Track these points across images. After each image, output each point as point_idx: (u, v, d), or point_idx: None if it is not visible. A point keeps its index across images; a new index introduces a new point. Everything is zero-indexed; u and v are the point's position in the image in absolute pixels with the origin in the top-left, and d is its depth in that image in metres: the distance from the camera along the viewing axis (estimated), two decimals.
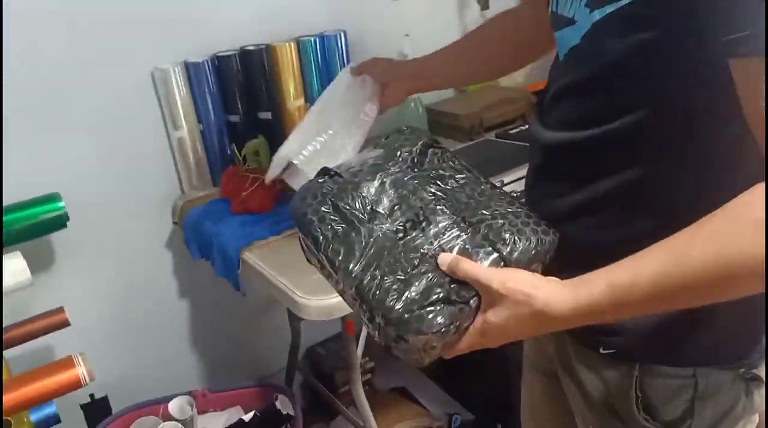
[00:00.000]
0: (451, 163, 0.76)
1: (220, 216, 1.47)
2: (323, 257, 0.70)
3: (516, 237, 0.67)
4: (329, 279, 0.73)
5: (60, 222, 1.34)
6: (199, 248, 1.51)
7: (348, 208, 0.70)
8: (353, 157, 0.77)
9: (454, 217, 0.69)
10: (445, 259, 0.66)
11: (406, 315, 0.62)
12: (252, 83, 1.60)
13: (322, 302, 1.12)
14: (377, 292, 0.64)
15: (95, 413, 1.42)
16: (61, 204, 1.34)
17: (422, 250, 0.66)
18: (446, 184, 0.73)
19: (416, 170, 0.74)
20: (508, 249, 0.67)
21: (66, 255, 1.54)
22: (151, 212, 1.64)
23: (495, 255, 0.66)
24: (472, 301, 0.64)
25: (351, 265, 0.66)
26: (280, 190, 1.48)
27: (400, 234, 0.68)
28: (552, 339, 0.88)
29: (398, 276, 0.64)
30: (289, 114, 1.66)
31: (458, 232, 0.68)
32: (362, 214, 0.69)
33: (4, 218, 1.26)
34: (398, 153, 0.76)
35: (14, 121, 1.38)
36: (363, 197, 0.71)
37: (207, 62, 1.54)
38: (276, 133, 1.66)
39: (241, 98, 1.61)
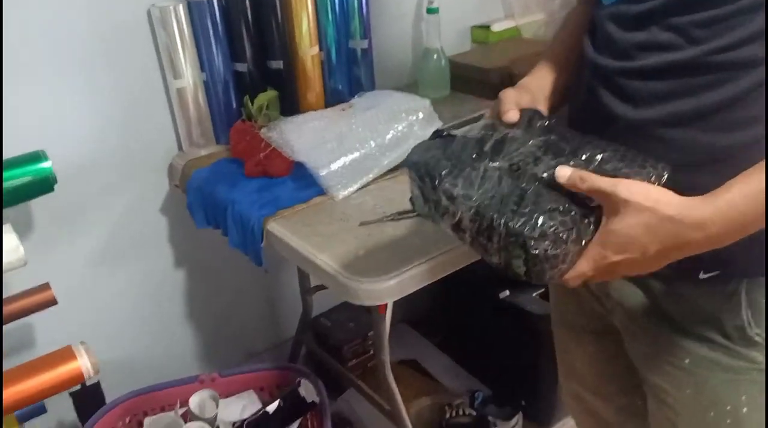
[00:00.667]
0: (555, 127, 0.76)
1: (233, 180, 1.29)
2: (440, 192, 0.71)
3: (628, 169, 0.66)
4: (443, 217, 0.72)
5: (46, 185, 1.14)
6: (206, 215, 1.33)
7: (463, 151, 0.73)
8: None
9: (565, 157, 0.69)
10: (564, 172, 0.65)
11: (523, 221, 0.64)
12: (263, 27, 1.41)
13: (372, 284, 0.97)
14: (497, 207, 0.66)
15: (86, 402, 1.25)
16: (47, 164, 1.14)
17: (537, 176, 0.68)
18: (554, 134, 0.73)
19: (529, 127, 0.76)
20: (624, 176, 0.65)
21: (50, 223, 1.35)
22: (146, 172, 1.45)
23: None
24: (590, 214, 0.65)
25: (470, 192, 0.68)
26: None
27: (514, 168, 0.70)
28: (616, 287, 0.81)
29: (516, 195, 0.66)
30: (303, 64, 1.47)
31: (573, 164, 0.68)
32: (477, 155, 0.72)
33: None
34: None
35: None
36: (476, 146, 0.73)
37: (213, 1, 1.33)
38: (288, 86, 1.48)
39: (251, 44, 1.41)
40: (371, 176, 1.23)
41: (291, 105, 1.49)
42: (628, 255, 0.62)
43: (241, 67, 1.43)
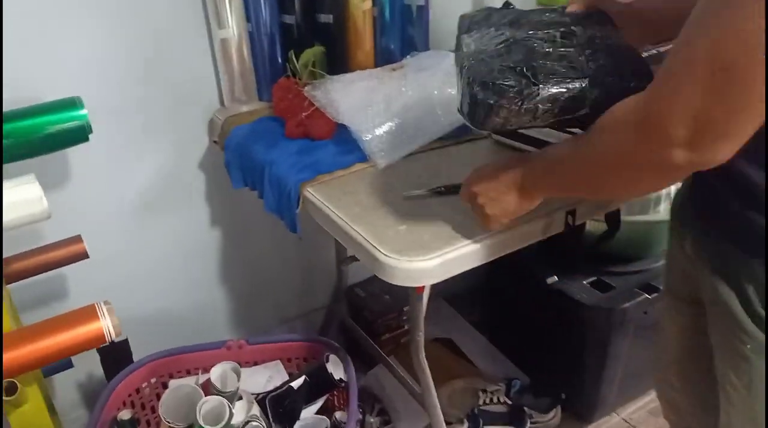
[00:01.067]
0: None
1: (272, 140, 1.22)
2: (462, 43, 0.83)
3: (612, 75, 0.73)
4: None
5: (81, 134, 1.08)
6: (243, 175, 1.26)
7: (499, 17, 0.87)
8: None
9: (579, 45, 0.78)
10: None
11: (489, 75, 0.74)
12: None
13: (412, 264, 0.89)
14: (479, 65, 0.76)
15: (113, 358, 1.22)
16: (83, 111, 1.08)
17: (535, 49, 0.77)
18: (591, 31, 0.81)
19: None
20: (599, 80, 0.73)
21: (85, 171, 1.30)
22: (184, 126, 1.38)
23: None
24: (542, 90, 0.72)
25: (479, 45, 0.80)
26: None
27: (527, 41, 0.78)
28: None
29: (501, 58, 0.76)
30: (354, 19, 1.37)
31: (573, 52, 0.76)
32: (508, 23, 0.83)
33: (7, 126, 1.01)
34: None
35: (16, 7, 1.11)
36: (515, 15, 0.86)
37: None
38: (337, 42, 1.38)
39: None
40: (419, 144, 1.14)
41: (339, 63, 1.40)
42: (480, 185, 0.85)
43: (289, 19, 1.35)
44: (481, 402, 1.57)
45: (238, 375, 1.03)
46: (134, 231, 1.41)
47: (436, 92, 1.15)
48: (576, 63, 0.73)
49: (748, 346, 0.73)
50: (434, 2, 1.48)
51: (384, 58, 1.44)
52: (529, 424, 1.50)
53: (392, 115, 1.13)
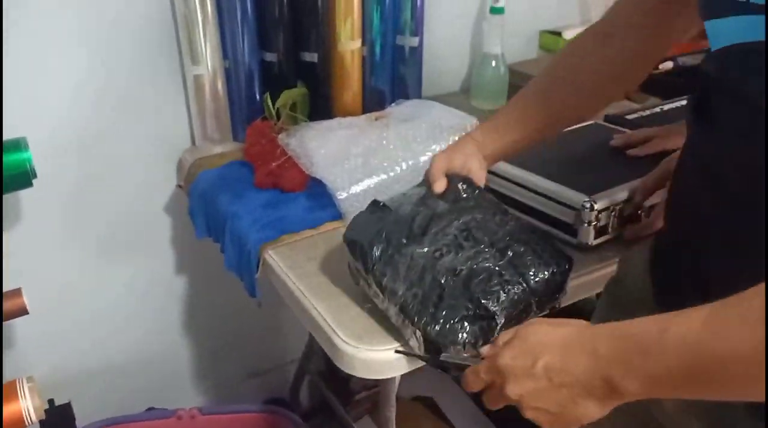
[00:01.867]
0: (487, 198, 0.82)
1: (239, 189, 1.11)
2: (371, 278, 0.76)
3: (537, 264, 0.74)
4: (375, 298, 0.78)
5: (24, 179, 0.98)
6: (207, 224, 1.15)
7: (394, 230, 0.77)
8: (398, 193, 0.84)
9: (484, 249, 0.75)
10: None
11: (438, 329, 0.69)
12: (299, 13, 1.22)
13: (373, 353, 0.77)
14: (418, 308, 0.71)
15: (53, 425, 1.10)
16: (27, 153, 0.98)
17: (456, 270, 0.73)
18: (478, 212, 0.79)
19: (456, 203, 0.80)
20: (532, 274, 0.74)
21: (39, 215, 1.19)
22: (152, 165, 1.28)
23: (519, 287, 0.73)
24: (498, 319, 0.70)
25: (396, 285, 0.73)
26: None
27: (437, 255, 0.75)
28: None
29: (436, 295, 0.71)
30: (341, 58, 1.27)
31: (489, 256, 0.75)
32: (406, 239, 0.76)
33: None
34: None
35: None
36: (408, 225, 0.77)
37: None
38: (322, 83, 1.28)
39: (283, 31, 1.22)
40: None
41: (323, 105, 1.30)
42: (519, 360, 0.55)
43: (270, 57, 1.25)
44: None
45: None
46: (94, 276, 1.30)
47: (420, 146, 1.04)
48: (503, 270, 0.73)
49: None
50: (428, 44, 1.38)
51: (373, 100, 1.34)
52: None
53: (371, 171, 1.02)
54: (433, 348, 0.70)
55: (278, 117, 1.20)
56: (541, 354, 0.53)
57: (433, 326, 0.69)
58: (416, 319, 0.71)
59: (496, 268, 0.73)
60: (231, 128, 1.29)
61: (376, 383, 1.59)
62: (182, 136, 1.28)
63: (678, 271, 0.66)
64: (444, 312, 0.70)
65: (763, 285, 0.42)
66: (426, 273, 0.73)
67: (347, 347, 0.77)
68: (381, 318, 0.79)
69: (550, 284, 0.74)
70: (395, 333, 0.77)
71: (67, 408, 1.14)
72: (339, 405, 1.43)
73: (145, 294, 1.38)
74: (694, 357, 0.44)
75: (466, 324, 0.69)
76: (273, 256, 0.94)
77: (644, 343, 0.47)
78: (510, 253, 0.74)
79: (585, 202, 0.90)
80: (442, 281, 0.72)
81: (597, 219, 0.90)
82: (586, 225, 0.91)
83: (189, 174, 1.21)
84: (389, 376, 0.78)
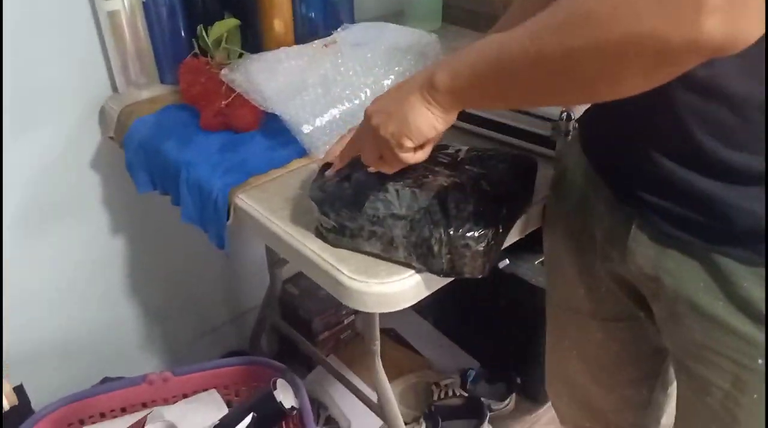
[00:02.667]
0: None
1: (186, 134, 1.01)
2: (364, 218, 0.74)
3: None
4: (369, 241, 0.75)
5: None
6: (150, 178, 1.05)
7: (366, 179, 0.75)
8: None
9: (450, 167, 0.78)
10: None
11: (461, 228, 0.71)
12: None
13: (385, 286, 0.73)
14: (428, 220, 0.71)
15: (9, 413, 0.99)
16: None
17: (444, 186, 0.74)
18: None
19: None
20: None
21: None
22: (70, 118, 1.14)
23: None
24: (502, 207, 0.75)
25: (396, 211, 0.73)
26: None
27: (419, 183, 0.74)
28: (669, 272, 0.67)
29: (437, 205, 0.72)
30: None
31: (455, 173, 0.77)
32: (379, 180, 0.74)
33: None
34: None
35: None
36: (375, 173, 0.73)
37: None
38: (250, 12, 1.18)
39: None
40: None
41: (253, 37, 1.20)
42: (372, 106, 0.64)
43: None
44: (435, 397, 1.46)
45: None
46: (25, 244, 1.17)
47: (381, 70, 0.98)
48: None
49: (760, 361, 0.63)
50: None
51: (305, 29, 1.25)
52: (488, 415, 1.41)
53: (333, 101, 0.95)
54: (457, 253, 0.71)
55: (205, 53, 1.09)
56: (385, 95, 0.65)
57: (455, 227, 0.70)
58: (433, 228, 0.71)
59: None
60: (157, 69, 1.17)
61: (338, 320, 1.57)
62: (101, 84, 1.15)
63: (603, 128, 0.71)
64: (456, 215, 0.71)
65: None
66: (418, 194, 0.73)
67: (355, 283, 0.73)
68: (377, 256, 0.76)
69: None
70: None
71: (19, 390, 1.03)
72: (309, 345, 1.39)
73: (81, 263, 1.26)
74: (490, 55, 0.53)
75: (480, 218, 0.72)
76: (246, 201, 0.87)
77: (459, 53, 0.57)
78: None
79: (562, 112, 0.88)
80: (434, 194, 0.73)
81: (574, 128, 0.89)
82: (563, 136, 0.89)
83: (120, 123, 1.09)
84: (402, 307, 0.75)
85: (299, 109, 0.94)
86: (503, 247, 0.81)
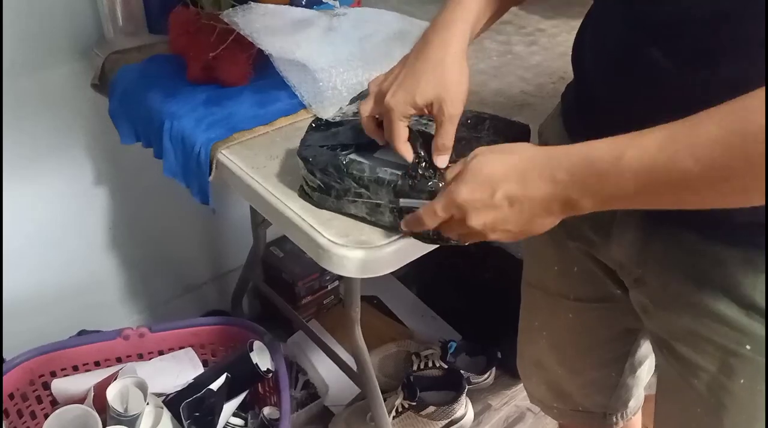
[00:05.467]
0: None
1: (172, 86, 0.98)
2: (349, 179, 0.71)
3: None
4: (354, 203, 0.73)
5: None
6: (134, 128, 1.02)
7: (357, 136, 0.74)
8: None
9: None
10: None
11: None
12: None
13: (366, 251, 0.71)
14: (415, 184, 0.68)
15: None
16: None
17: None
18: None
19: None
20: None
21: None
22: (55, 65, 1.10)
23: None
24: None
25: (380, 174, 0.70)
26: (257, 53, 0.99)
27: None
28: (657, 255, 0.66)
29: (423, 167, 0.70)
30: None
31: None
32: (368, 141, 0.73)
33: None
34: None
35: None
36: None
37: None
38: None
39: None
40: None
41: None
42: (477, 193, 0.56)
43: None
44: (415, 367, 1.45)
45: (145, 393, 0.83)
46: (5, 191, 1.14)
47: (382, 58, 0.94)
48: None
49: (748, 347, 0.63)
50: None
51: None
52: (467, 388, 1.41)
53: (340, 61, 0.91)
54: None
55: (195, 3, 1.05)
56: (498, 184, 0.55)
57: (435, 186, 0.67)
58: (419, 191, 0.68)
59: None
60: (146, 17, 1.13)
61: (322, 285, 1.56)
62: (88, 30, 1.11)
63: (587, 104, 0.69)
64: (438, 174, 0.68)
65: (711, 110, 0.46)
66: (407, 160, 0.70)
67: (335, 247, 0.71)
68: (362, 219, 0.74)
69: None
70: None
71: None
72: (291, 309, 1.38)
73: (60, 213, 1.24)
74: (648, 179, 0.48)
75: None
76: (228, 156, 0.84)
77: (601, 168, 0.50)
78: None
79: None
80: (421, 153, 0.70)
81: None
82: None
83: (105, 71, 1.05)
84: (384, 273, 0.73)
85: (308, 58, 0.90)
86: None
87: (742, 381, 0.65)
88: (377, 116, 0.70)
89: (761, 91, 0.45)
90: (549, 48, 1.17)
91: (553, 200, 0.53)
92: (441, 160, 0.69)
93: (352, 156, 0.73)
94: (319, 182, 0.74)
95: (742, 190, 0.46)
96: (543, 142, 0.80)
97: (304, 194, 0.77)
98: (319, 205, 0.76)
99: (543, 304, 0.89)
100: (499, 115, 0.80)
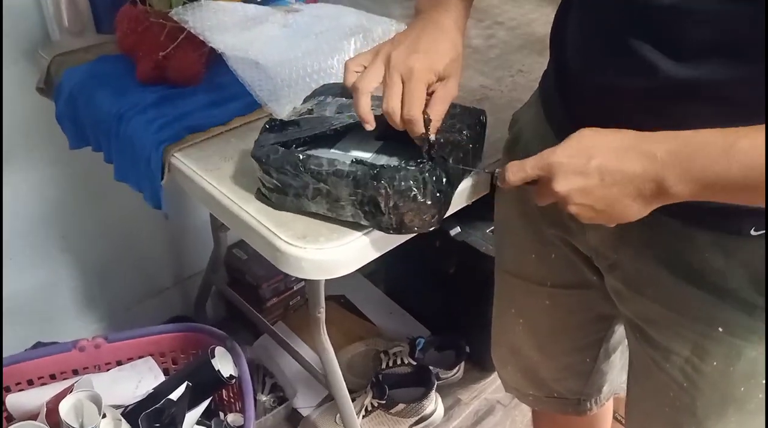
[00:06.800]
0: None
1: (121, 86, 0.95)
2: (307, 174, 0.70)
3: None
4: (313, 200, 0.72)
5: None
6: (83, 132, 0.99)
7: (310, 131, 0.73)
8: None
9: None
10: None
11: (404, 180, 0.67)
12: None
13: (324, 252, 0.70)
14: (371, 175, 0.68)
15: None
16: None
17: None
18: None
19: None
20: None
21: None
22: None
23: None
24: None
25: (339, 166, 0.69)
26: (210, 52, 0.96)
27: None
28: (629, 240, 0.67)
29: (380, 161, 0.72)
30: None
31: None
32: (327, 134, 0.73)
33: None
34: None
35: None
36: (321, 121, 0.74)
37: None
38: None
39: None
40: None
41: None
42: (573, 157, 0.55)
43: None
44: (383, 365, 1.44)
45: (99, 406, 0.80)
46: None
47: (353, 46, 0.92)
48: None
49: (720, 329, 0.64)
50: None
51: None
52: (436, 384, 1.40)
53: (296, 58, 0.89)
54: (404, 205, 0.68)
55: (144, 1, 1.02)
56: (596, 154, 0.54)
57: (398, 180, 0.66)
58: (375, 183, 0.67)
59: None
60: (93, 17, 1.09)
61: (287, 287, 1.54)
62: (33, 31, 1.07)
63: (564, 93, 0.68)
64: (400, 170, 0.67)
65: None
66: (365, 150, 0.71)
67: (293, 249, 0.69)
68: (323, 217, 0.72)
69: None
70: (346, 225, 0.70)
71: None
72: (255, 313, 1.35)
73: (12, 219, 1.19)
74: (754, 171, 0.48)
75: (417, 170, 0.68)
76: (181, 159, 0.82)
77: (710, 153, 0.50)
78: None
79: None
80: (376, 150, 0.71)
81: None
82: None
83: (50, 73, 1.01)
84: (342, 274, 0.72)
85: (261, 54, 0.87)
86: (454, 212, 0.78)
87: (714, 363, 0.65)
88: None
89: None
90: (507, 41, 1.17)
91: (647, 179, 0.52)
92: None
93: (310, 151, 0.71)
94: (276, 182, 0.72)
95: None
96: (517, 130, 0.79)
97: (261, 196, 0.75)
98: (277, 207, 0.74)
99: (519, 291, 0.89)
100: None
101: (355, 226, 0.72)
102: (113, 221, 1.33)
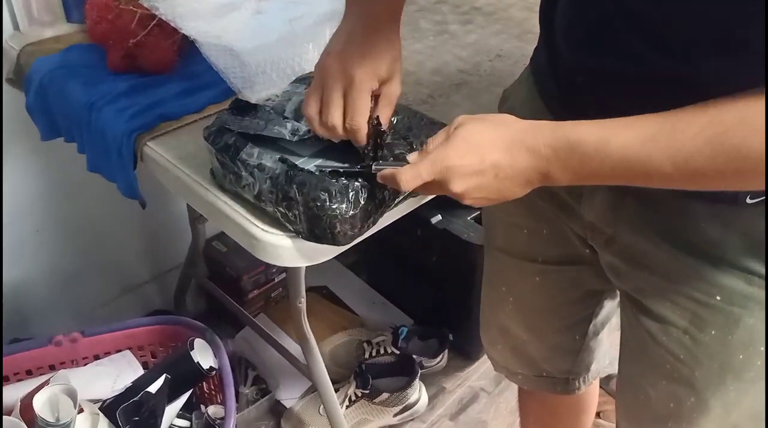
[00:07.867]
0: None
1: (92, 75, 0.93)
2: (239, 164, 0.70)
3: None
4: (243, 189, 0.71)
5: None
6: (54, 123, 0.97)
7: (267, 120, 0.72)
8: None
9: None
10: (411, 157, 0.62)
11: (321, 187, 0.65)
12: None
13: (299, 240, 0.69)
14: (289, 177, 0.66)
15: None
16: None
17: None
18: None
19: None
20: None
21: None
22: None
23: None
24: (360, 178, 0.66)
25: (265, 162, 0.68)
26: (183, 39, 0.95)
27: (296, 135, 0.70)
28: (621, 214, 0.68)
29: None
30: None
31: None
32: (274, 123, 0.71)
33: None
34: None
35: None
36: (275, 113, 0.73)
37: None
38: None
39: None
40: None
41: None
42: (466, 159, 0.57)
43: None
44: (366, 355, 1.44)
45: (74, 400, 0.78)
46: None
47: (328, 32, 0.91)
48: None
49: (718, 297, 0.65)
50: None
51: None
52: (420, 372, 1.40)
53: (275, 42, 0.88)
54: (314, 215, 0.66)
55: None
56: (488, 152, 0.56)
57: (313, 188, 0.65)
58: (288, 187, 0.66)
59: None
60: (62, 6, 1.06)
61: (268, 278, 1.53)
62: (1, 21, 1.04)
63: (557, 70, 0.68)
64: (319, 176, 0.66)
65: (693, 115, 0.50)
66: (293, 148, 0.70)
67: (269, 236, 0.69)
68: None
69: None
70: None
71: None
72: (236, 305, 1.34)
73: None
74: (626, 169, 0.53)
75: (342, 180, 0.66)
76: (155, 148, 0.80)
77: (584, 151, 0.53)
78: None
79: None
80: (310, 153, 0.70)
81: None
82: None
83: (19, 64, 0.99)
84: (321, 261, 0.71)
85: (235, 41, 0.86)
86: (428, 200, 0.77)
87: (713, 332, 0.66)
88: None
89: (743, 104, 0.49)
90: (485, 26, 1.16)
91: (534, 171, 0.56)
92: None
93: (249, 143, 0.70)
94: (215, 162, 0.72)
95: (721, 186, 0.53)
96: (509, 106, 0.79)
97: (212, 174, 0.75)
98: (221, 187, 0.74)
99: (509, 268, 0.88)
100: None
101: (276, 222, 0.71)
102: (88, 215, 1.31)
